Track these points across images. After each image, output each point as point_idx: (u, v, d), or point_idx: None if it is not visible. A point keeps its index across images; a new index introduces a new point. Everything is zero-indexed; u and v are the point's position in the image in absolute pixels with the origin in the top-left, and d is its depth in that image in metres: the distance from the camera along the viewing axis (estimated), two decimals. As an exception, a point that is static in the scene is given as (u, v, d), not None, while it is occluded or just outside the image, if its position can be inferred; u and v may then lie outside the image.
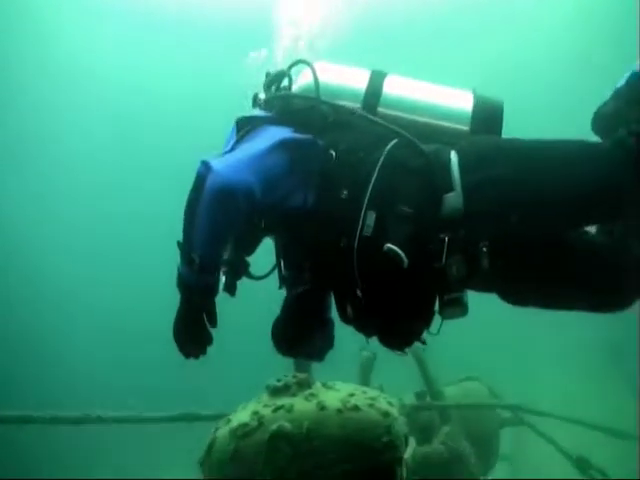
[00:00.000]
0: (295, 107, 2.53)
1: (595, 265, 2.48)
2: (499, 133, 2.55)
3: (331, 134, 2.44)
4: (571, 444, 5.39)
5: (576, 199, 2.32)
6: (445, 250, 2.26)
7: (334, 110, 2.48)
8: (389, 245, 2.20)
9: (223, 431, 2.40)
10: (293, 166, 2.35)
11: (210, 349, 2.30)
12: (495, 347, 14.46)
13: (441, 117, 2.53)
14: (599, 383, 10.37)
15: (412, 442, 4.02)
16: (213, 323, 2.22)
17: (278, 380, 2.45)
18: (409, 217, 2.27)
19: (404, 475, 2.44)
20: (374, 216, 2.27)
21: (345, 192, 2.34)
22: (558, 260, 2.42)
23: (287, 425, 2.29)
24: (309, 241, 2.43)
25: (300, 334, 2.50)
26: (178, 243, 2.20)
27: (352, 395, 2.42)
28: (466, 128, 2.51)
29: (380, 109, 2.53)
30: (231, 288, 2.41)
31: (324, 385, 2.50)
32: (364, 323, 2.44)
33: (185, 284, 2.18)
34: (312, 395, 2.40)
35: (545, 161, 2.39)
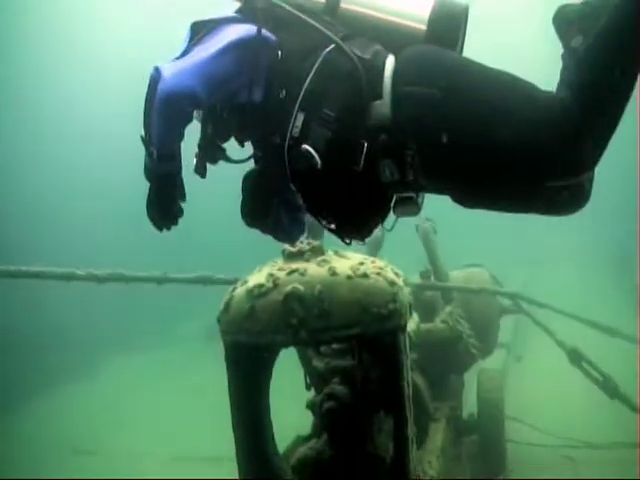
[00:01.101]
0: (254, 6, 2.65)
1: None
2: (458, 38, 2.60)
3: (280, 34, 2.57)
4: (568, 339, 5.59)
5: (502, 144, 2.36)
6: (363, 154, 2.41)
7: (286, 11, 2.60)
8: (305, 146, 2.38)
9: (240, 290, 2.56)
10: (241, 66, 2.52)
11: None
12: (500, 240, 14.60)
13: (397, 14, 2.59)
14: (600, 286, 10.54)
15: (415, 317, 4.18)
16: (181, 198, 2.54)
17: (293, 246, 2.59)
18: (331, 121, 2.41)
19: (406, 344, 2.61)
20: (302, 118, 2.43)
21: (283, 92, 2.51)
22: (494, 169, 2.49)
23: (300, 287, 2.45)
24: (255, 134, 2.67)
25: (257, 208, 2.73)
26: (141, 137, 2.52)
27: (362, 264, 2.56)
28: (423, 27, 2.55)
29: (342, 5, 2.62)
30: (201, 170, 2.73)
31: (336, 253, 2.63)
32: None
33: (148, 172, 2.51)
34: (324, 261, 2.54)
35: (484, 93, 2.39)
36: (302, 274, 2.48)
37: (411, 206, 2.56)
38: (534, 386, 6.99)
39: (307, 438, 3.37)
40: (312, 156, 2.37)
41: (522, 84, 2.44)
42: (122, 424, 7.86)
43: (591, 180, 2.45)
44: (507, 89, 2.41)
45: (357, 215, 2.60)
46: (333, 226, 2.73)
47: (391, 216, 2.69)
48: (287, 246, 2.58)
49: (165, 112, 2.46)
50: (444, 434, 4.01)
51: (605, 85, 2.23)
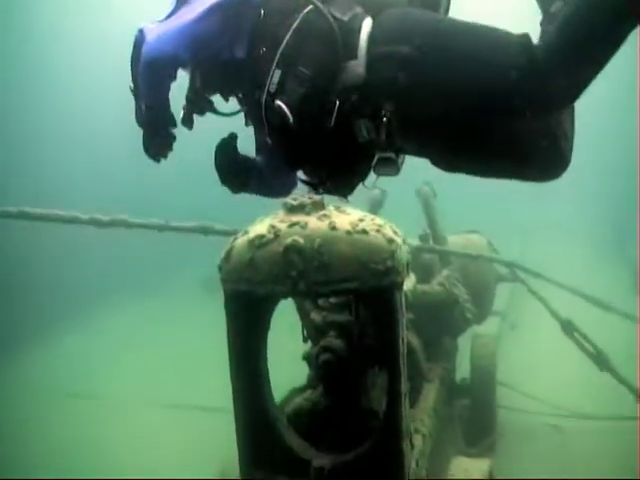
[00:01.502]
0: None
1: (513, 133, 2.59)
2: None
3: None
4: (562, 311, 5.66)
5: (476, 96, 2.42)
6: (334, 112, 2.49)
7: None
8: (278, 102, 2.52)
9: (241, 240, 2.61)
10: (225, 26, 2.68)
11: None
12: (497, 207, 14.59)
13: None
14: (597, 259, 10.57)
15: (412, 277, 4.23)
16: (172, 125, 2.81)
17: (294, 199, 2.63)
18: (306, 79, 2.52)
19: (402, 301, 2.66)
20: (279, 75, 2.55)
21: (264, 49, 2.64)
22: (471, 131, 2.54)
23: (300, 240, 2.49)
24: (239, 90, 2.86)
25: (235, 179, 3.03)
26: (130, 88, 2.78)
27: (361, 220, 2.60)
28: None
29: None
30: (188, 122, 2.94)
31: (336, 208, 2.67)
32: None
33: (139, 119, 2.77)
34: (325, 216, 2.58)
35: (460, 51, 2.46)
36: (303, 227, 2.52)
37: (391, 166, 2.65)
38: (527, 354, 7.10)
39: (302, 389, 3.47)
40: (284, 111, 2.46)
41: (500, 36, 2.48)
42: (117, 371, 7.97)
43: (568, 140, 2.50)
44: (484, 44, 2.45)
45: (336, 171, 2.69)
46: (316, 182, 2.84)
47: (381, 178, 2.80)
48: (289, 199, 2.62)
49: (149, 76, 2.68)
50: (437, 394, 4.10)
51: (584, 35, 2.25)
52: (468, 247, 5.47)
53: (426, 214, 5.49)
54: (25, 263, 9.98)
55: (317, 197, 2.64)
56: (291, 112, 2.52)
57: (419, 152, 2.73)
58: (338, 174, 2.77)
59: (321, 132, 2.57)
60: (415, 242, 5.05)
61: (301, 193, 2.71)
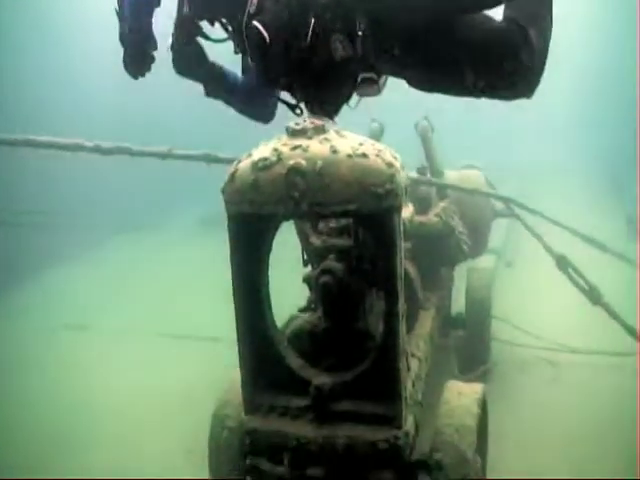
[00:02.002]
0: None
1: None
2: None
3: None
4: (558, 249, 5.73)
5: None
6: (310, 30, 2.54)
7: None
8: (254, 22, 2.62)
9: (245, 163, 2.67)
10: None
11: None
12: (493, 146, 14.53)
13: None
14: (597, 204, 10.57)
15: (410, 207, 4.30)
16: (153, 48, 2.93)
17: (297, 124, 2.68)
18: None
19: (400, 225, 2.73)
20: None
21: None
22: (442, 42, 2.60)
23: (303, 162, 2.56)
24: (224, 13, 2.93)
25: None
26: (115, 10, 2.88)
27: (361, 144, 2.66)
28: None
29: None
30: (176, 48, 3.01)
31: (337, 133, 2.73)
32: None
33: (122, 39, 2.89)
34: (326, 140, 2.64)
35: None
36: (305, 150, 2.59)
37: (372, 87, 2.73)
38: (522, 292, 7.20)
39: (302, 310, 3.58)
40: (259, 31, 2.52)
41: None
42: (116, 302, 8.06)
43: (534, 54, 2.56)
44: None
45: (317, 90, 2.75)
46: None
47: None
48: (291, 123, 2.67)
49: (132, 4, 2.83)
50: (432, 322, 4.20)
51: None
52: (465, 182, 5.50)
53: (424, 147, 5.52)
54: (24, 195, 9.89)
55: (319, 122, 2.69)
56: (267, 31, 2.58)
57: (396, 71, 2.79)
58: (319, 93, 2.84)
59: (299, 50, 2.64)
60: (413, 174, 5.08)
61: (303, 118, 2.75)
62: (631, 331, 5.25)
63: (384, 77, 2.90)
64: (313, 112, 2.91)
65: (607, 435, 4.51)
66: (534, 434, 4.57)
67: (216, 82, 3.17)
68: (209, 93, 3.15)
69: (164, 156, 4.61)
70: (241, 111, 3.26)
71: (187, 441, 4.60)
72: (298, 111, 2.95)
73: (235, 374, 3.15)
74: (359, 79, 2.78)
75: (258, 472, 3.41)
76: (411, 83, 2.82)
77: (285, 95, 3.10)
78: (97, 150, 4.38)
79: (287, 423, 3.02)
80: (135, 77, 3.03)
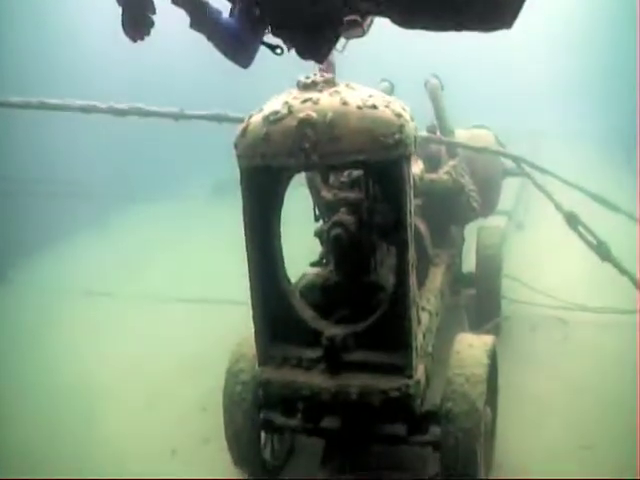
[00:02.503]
0: None
1: None
2: None
3: None
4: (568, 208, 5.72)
5: None
6: None
7: None
8: None
9: (257, 117, 2.72)
10: None
11: None
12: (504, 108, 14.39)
13: None
14: (609, 168, 10.49)
15: (420, 164, 4.30)
16: (152, 11, 2.87)
17: (307, 77, 2.72)
18: None
19: (410, 175, 2.77)
20: None
21: None
22: None
23: (313, 114, 2.60)
24: None
25: None
26: None
27: (371, 96, 2.70)
28: None
29: None
30: None
31: (347, 85, 2.76)
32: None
33: (120, 3, 2.85)
34: (336, 92, 2.68)
35: None
36: (315, 103, 2.63)
37: (356, 29, 2.76)
38: (532, 252, 7.21)
39: (314, 265, 3.63)
40: None
41: None
42: (136, 269, 8.17)
43: None
44: None
45: (302, 34, 2.77)
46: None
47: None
48: (302, 77, 2.71)
49: None
50: (443, 277, 4.25)
51: None
52: (476, 141, 5.47)
53: (433, 106, 5.50)
54: (39, 162, 9.87)
55: (328, 75, 2.73)
56: None
57: (379, 10, 2.81)
58: (305, 36, 2.86)
59: None
60: (423, 132, 5.06)
61: (313, 72, 2.79)
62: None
63: (369, 19, 2.93)
64: (300, 56, 2.92)
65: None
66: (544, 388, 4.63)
67: (200, 12, 3.19)
68: (192, 24, 3.17)
69: (176, 116, 4.65)
70: (223, 51, 3.27)
71: (202, 399, 4.71)
72: (279, 51, 2.96)
73: (248, 330, 3.21)
74: (344, 21, 2.80)
75: (272, 426, 3.51)
76: (394, 20, 2.83)
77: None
78: (111, 111, 4.42)
79: (300, 374, 3.10)
80: (134, 40, 3.03)
